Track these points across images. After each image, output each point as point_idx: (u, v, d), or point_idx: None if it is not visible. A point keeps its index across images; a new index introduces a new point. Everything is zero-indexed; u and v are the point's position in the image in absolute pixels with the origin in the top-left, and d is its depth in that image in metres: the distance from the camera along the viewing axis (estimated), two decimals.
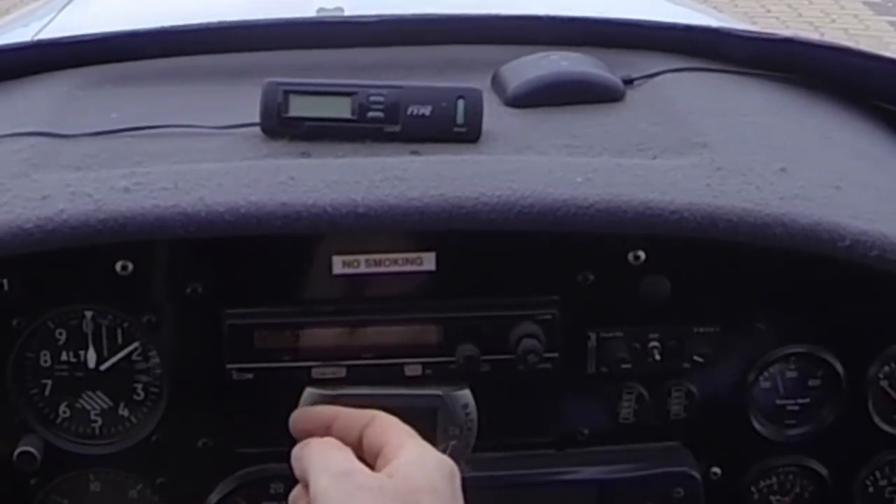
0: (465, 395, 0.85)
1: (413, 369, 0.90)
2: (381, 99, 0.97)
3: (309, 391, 0.84)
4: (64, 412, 0.93)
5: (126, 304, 0.91)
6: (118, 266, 0.89)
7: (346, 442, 0.75)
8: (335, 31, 1.23)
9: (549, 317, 0.90)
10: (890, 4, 6.30)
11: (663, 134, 1.01)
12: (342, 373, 0.90)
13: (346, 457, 0.73)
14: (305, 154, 0.96)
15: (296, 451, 0.76)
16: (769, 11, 6.15)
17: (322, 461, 0.73)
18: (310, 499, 0.72)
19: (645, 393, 0.95)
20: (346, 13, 1.52)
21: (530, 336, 0.89)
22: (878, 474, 0.99)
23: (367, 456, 0.75)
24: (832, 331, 0.95)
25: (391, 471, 0.72)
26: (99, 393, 0.93)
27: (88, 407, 0.93)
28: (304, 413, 0.82)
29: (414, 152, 0.96)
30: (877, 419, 0.97)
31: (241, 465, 0.93)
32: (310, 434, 0.78)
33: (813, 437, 0.98)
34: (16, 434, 0.92)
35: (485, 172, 0.89)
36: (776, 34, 1.23)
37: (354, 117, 0.98)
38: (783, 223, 0.88)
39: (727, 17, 2.20)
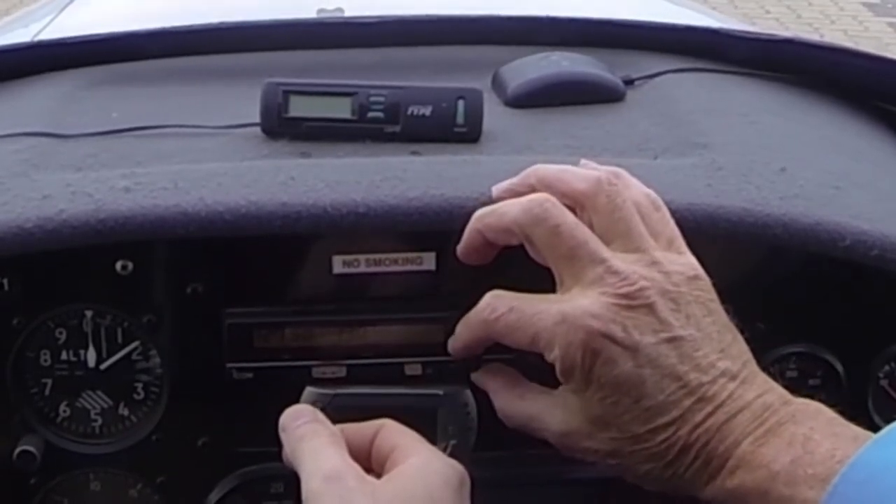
0: (466, 394, 0.84)
1: (413, 368, 0.90)
2: (381, 99, 0.98)
3: (309, 390, 0.83)
4: (64, 411, 0.93)
5: (126, 304, 0.91)
6: (118, 266, 0.89)
7: (355, 456, 0.74)
8: (335, 32, 1.23)
9: None
10: (889, 5, 6.31)
11: (664, 134, 1.01)
12: (342, 372, 0.90)
13: (340, 456, 0.72)
14: (305, 154, 0.96)
15: (287, 447, 0.75)
16: (768, 13, 6.16)
17: (314, 462, 0.72)
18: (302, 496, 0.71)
19: None
20: (346, 14, 1.52)
21: None
22: None
23: (375, 464, 0.75)
24: (832, 331, 0.94)
25: (392, 476, 0.72)
26: (99, 392, 0.93)
27: (88, 406, 0.93)
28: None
29: (414, 152, 0.96)
30: (877, 419, 0.96)
31: (242, 465, 0.93)
32: None
33: None
34: (16, 433, 0.91)
35: (485, 172, 0.89)
36: (776, 35, 1.23)
37: (354, 117, 0.98)
38: (783, 223, 0.88)
39: (727, 17, 2.20)
